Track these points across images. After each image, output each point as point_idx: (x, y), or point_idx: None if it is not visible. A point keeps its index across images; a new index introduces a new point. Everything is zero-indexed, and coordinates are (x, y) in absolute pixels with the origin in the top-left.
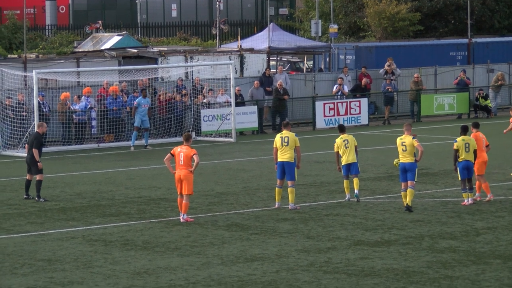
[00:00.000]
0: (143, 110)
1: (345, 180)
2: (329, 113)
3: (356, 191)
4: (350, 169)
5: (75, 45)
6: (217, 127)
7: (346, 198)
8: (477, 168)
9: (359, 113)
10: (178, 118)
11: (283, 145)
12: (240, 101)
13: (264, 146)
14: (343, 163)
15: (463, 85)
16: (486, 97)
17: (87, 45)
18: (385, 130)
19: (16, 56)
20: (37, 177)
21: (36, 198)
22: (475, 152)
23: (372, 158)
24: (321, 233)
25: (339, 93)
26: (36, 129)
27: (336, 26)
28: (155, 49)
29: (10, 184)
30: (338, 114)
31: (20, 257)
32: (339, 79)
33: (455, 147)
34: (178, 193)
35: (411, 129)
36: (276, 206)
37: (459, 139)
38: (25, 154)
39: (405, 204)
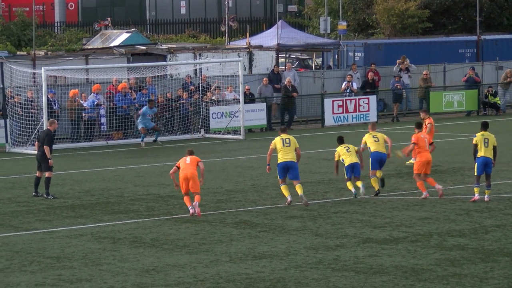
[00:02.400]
0: (147, 119)
1: (348, 182)
2: (338, 110)
3: (360, 186)
4: (354, 170)
5: (84, 42)
6: (226, 125)
7: (353, 193)
8: (417, 167)
9: (368, 110)
10: (186, 116)
11: (285, 145)
12: (249, 99)
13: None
14: (346, 164)
15: (472, 82)
16: (495, 95)
17: (96, 42)
18: (394, 127)
19: (25, 53)
20: (47, 174)
21: (45, 195)
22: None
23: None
24: (329, 231)
25: (348, 90)
26: (47, 126)
27: (345, 23)
28: (164, 46)
29: (19, 181)
30: (347, 111)
31: (29, 254)
32: (348, 76)
33: (474, 141)
34: (184, 192)
35: (375, 128)
36: (288, 200)
37: (478, 134)
38: (34, 152)
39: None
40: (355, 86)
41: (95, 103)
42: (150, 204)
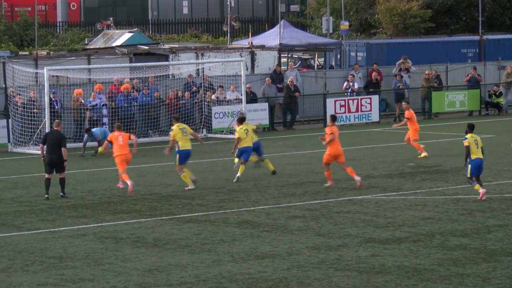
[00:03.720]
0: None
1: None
2: (340, 110)
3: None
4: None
5: (86, 42)
6: (228, 124)
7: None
8: (326, 158)
9: (370, 110)
10: (187, 115)
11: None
12: (251, 98)
13: (276, 143)
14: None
15: (474, 82)
16: (499, 95)
17: (98, 42)
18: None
19: (27, 53)
20: (62, 175)
21: (64, 194)
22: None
23: (383, 155)
24: (332, 231)
25: (349, 90)
26: (55, 128)
27: (347, 23)
28: (166, 46)
29: (21, 181)
30: (349, 111)
31: (31, 254)
32: (349, 76)
33: (466, 143)
34: (122, 170)
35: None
36: (190, 187)
37: (468, 136)
38: (37, 152)
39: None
40: (356, 85)
41: (101, 104)
42: (153, 204)
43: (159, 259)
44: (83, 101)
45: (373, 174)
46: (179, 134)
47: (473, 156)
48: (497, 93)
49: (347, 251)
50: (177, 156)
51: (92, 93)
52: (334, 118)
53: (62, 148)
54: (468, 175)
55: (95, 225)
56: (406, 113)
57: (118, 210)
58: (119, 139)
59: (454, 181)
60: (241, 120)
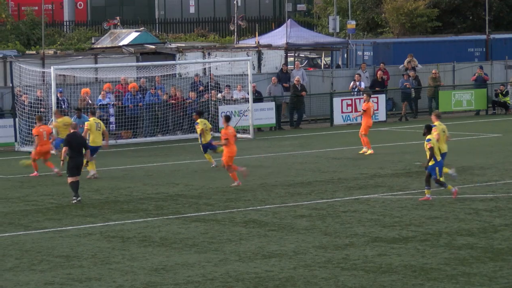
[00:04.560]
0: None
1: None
2: (347, 109)
3: None
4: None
5: (93, 41)
6: (235, 124)
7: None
8: (226, 160)
9: (377, 109)
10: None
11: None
12: (257, 97)
13: (282, 143)
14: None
15: (481, 81)
16: (506, 94)
17: (105, 41)
18: (402, 126)
19: (34, 52)
20: (77, 178)
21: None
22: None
23: (389, 154)
24: (338, 230)
25: (355, 89)
26: (72, 130)
27: (354, 22)
28: (173, 45)
29: (28, 180)
30: (356, 111)
31: (38, 253)
32: (356, 76)
33: (430, 145)
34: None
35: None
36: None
37: (432, 137)
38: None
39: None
40: (362, 85)
41: (112, 102)
42: (159, 203)
43: (166, 258)
44: (90, 101)
45: (380, 173)
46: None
47: (438, 158)
48: (504, 92)
49: (354, 250)
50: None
51: (102, 92)
52: (228, 119)
53: (88, 150)
54: (438, 177)
55: (102, 224)
56: (364, 105)
57: (124, 209)
58: (44, 135)
59: (461, 180)
60: (200, 114)
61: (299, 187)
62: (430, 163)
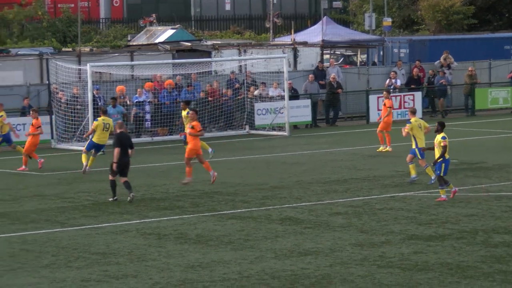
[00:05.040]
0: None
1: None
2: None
3: None
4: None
5: (129, 39)
6: (271, 121)
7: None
8: (187, 153)
9: (413, 107)
10: (230, 112)
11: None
12: (293, 95)
13: (318, 140)
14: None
15: None
16: None
17: (141, 39)
18: None
19: (70, 49)
20: (126, 178)
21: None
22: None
23: (425, 152)
24: (375, 227)
25: (391, 87)
26: (120, 129)
27: (390, 20)
28: (209, 43)
29: (65, 177)
30: (392, 108)
31: (75, 250)
32: (392, 73)
33: (445, 143)
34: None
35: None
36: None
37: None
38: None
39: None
40: (398, 83)
41: (148, 100)
42: (195, 200)
43: (202, 256)
44: (126, 98)
45: (416, 170)
46: None
47: (447, 155)
48: None
49: (390, 248)
50: None
51: (139, 89)
52: (196, 112)
53: (132, 149)
54: (443, 174)
55: (138, 221)
56: (388, 102)
57: (161, 207)
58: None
59: (497, 178)
60: (188, 103)
61: (335, 185)
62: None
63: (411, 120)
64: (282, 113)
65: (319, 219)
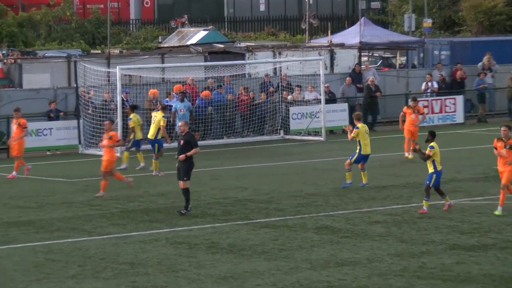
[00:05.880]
0: (182, 116)
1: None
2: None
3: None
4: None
5: (160, 40)
6: (306, 126)
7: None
8: (104, 166)
9: (454, 111)
10: (264, 116)
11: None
12: (330, 98)
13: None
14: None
15: None
16: None
17: (172, 40)
18: (481, 128)
19: (99, 51)
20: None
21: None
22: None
23: (468, 158)
24: (414, 237)
25: (428, 90)
26: (187, 128)
27: (430, 21)
28: (242, 45)
29: (92, 184)
30: (433, 112)
31: (102, 260)
32: (427, 76)
33: (431, 153)
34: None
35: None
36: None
37: (435, 145)
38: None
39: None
40: (435, 85)
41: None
42: (228, 208)
43: (234, 266)
44: (158, 102)
45: (457, 177)
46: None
47: (439, 167)
48: None
49: (431, 258)
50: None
51: (171, 93)
52: (112, 122)
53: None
54: (431, 185)
55: (168, 230)
56: (420, 108)
57: (192, 215)
58: None
59: None
60: (134, 108)
61: (373, 192)
62: (430, 170)
63: (358, 126)
64: (318, 117)
65: (357, 228)
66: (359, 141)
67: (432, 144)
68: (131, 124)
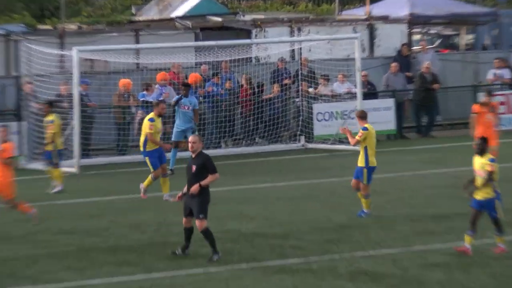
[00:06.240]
0: (184, 115)
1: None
2: (499, 109)
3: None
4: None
5: (133, 12)
6: (336, 130)
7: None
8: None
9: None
10: (278, 117)
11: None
12: (368, 92)
13: (405, 157)
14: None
15: None
16: None
17: (151, 12)
18: None
19: (49, 27)
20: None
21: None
22: None
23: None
24: (488, 285)
25: (499, 82)
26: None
27: None
28: (248, 18)
29: (39, 210)
30: (511, 112)
31: None
32: (495, 61)
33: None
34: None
35: None
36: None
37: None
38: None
39: None
40: (507, 75)
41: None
42: (228, 245)
43: None
44: (131, 96)
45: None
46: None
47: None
48: None
49: None
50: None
51: (152, 85)
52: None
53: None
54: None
55: (143, 276)
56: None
57: (176, 255)
58: None
59: None
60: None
61: (431, 223)
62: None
63: (366, 126)
64: (353, 118)
65: (408, 273)
66: (365, 148)
67: (491, 156)
68: (52, 129)
